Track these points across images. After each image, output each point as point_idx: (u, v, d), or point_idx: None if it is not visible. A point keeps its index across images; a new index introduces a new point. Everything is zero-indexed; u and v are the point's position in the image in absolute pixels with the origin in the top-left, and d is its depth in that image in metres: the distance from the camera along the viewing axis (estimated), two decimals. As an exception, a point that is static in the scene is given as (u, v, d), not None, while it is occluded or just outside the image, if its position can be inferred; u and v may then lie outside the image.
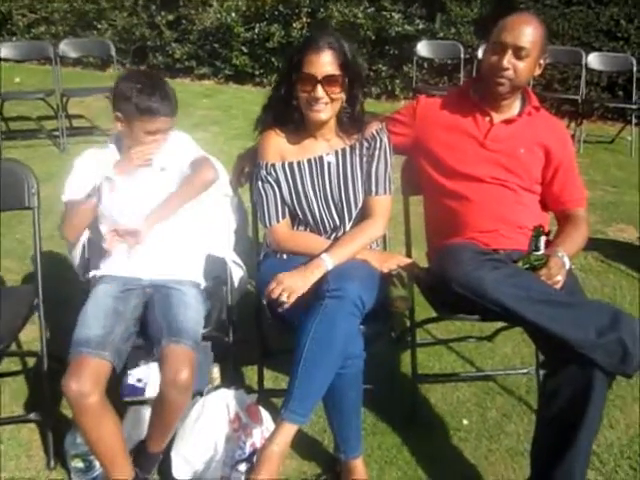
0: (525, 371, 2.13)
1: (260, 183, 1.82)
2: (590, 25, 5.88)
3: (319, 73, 1.64)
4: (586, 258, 3.14)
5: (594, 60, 5.29)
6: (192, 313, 1.70)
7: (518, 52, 1.71)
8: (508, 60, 1.71)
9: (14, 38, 8.35)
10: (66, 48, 5.04)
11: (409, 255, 2.08)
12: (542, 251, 1.60)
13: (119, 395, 1.99)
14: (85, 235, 1.90)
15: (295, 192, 1.81)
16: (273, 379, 2.20)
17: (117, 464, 1.59)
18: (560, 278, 1.56)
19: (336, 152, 1.81)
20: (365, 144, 1.80)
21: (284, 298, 1.59)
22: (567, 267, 1.62)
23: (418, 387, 2.12)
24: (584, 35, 5.89)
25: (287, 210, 1.83)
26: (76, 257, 1.92)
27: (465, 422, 2.03)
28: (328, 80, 1.65)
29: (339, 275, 1.57)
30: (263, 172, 1.81)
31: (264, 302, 1.69)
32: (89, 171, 1.82)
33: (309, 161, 1.80)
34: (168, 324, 1.63)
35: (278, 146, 1.81)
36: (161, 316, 1.67)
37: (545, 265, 1.58)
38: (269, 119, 1.80)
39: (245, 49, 7.22)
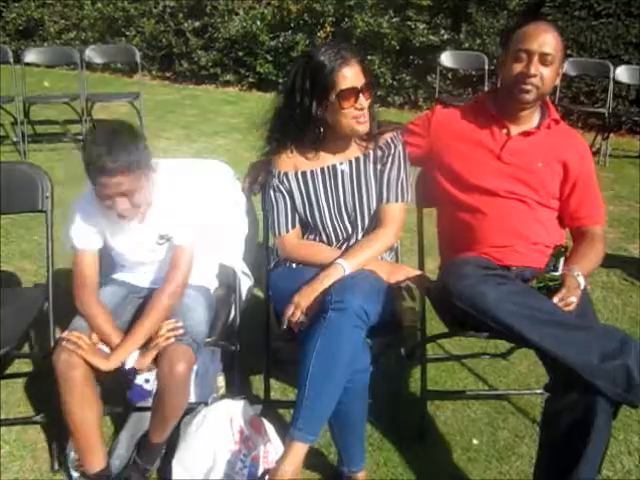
0: (540, 391, 2.05)
1: (272, 192, 1.80)
2: (619, 37, 5.76)
3: (358, 83, 1.63)
4: (608, 276, 3.05)
5: (622, 73, 5.18)
6: (194, 315, 1.70)
7: (544, 59, 1.68)
8: (535, 67, 1.68)
9: (45, 44, 8.55)
10: (92, 54, 5.13)
11: (422, 267, 2.04)
12: (560, 272, 1.53)
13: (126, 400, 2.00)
14: None
15: (308, 201, 1.78)
16: (281, 390, 2.17)
17: (91, 448, 1.63)
18: (574, 299, 1.50)
19: (350, 161, 1.79)
20: (379, 152, 1.78)
21: (302, 318, 1.59)
22: (582, 287, 1.56)
23: (428, 403, 2.07)
24: (613, 48, 5.78)
25: (298, 219, 1.81)
26: None
27: (475, 442, 1.97)
28: (364, 89, 1.65)
29: (341, 286, 1.54)
30: (276, 181, 1.79)
31: (272, 314, 1.67)
32: (91, 218, 1.70)
33: (322, 170, 1.78)
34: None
35: (292, 156, 1.79)
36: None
37: (560, 286, 1.52)
38: (285, 139, 1.76)
39: (270, 57, 7.28)
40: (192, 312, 1.71)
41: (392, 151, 1.78)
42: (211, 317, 1.80)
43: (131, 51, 5.29)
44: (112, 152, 1.48)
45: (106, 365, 1.58)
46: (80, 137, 4.97)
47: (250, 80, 7.49)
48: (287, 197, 1.79)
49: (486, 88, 5.48)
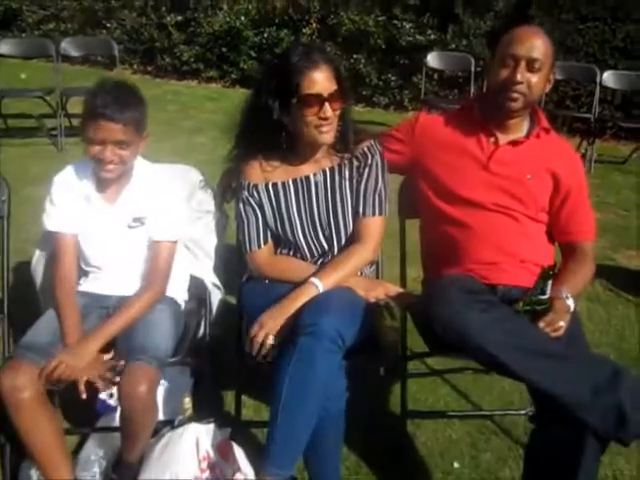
0: (523, 412, 1.97)
1: (242, 205, 1.69)
2: (606, 42, 5.74)
3: (324, 91, 1.51)
4: (593, 286, 2.98)
5: (609, 78, 5.15)
6: (158, 329, 1.60)
7: (531, 65, 1.59)
8: (522, 74, 1.58)
9: (23, 34, 8.32)
10: (68, 46, 4.97)
11: (404, 277, 1.95)
12: (547, 295, 1.44)
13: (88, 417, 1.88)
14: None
15: (279, 215, 1.67)
16: (255, 407, 2.06)
17: (54, 465, 1.54)
18: (563, 324, 1.41)
19: (324, 172, 1.67)
20: (355, 162, 1.67)
21: (270, 341, 1.47)
22: (571, 310, 1.47)
23: (407, 423, 1.98)
24: (599, 52, 5.75)
25: (270, 234, 1.71)
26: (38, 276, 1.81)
27: (456, 465, 1.88)
28: (332, 97, 1.53)
29: (314, 307, 1.43)
30: (245, 193, 1.68)
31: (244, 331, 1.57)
32: (70, 195, 1.68)
33: (294, 181, 1.67)
34: (130, 344, 1.55)
35: (262, 166, 1.68)
36: (124, 336, 1.58)
37: (548, 310, 1.43)
38: (252, 148, 1.65)
39: (253, 53, 7.15)
40: (156, 326, 1.61)
41: (369, 161, 1.66)
42: (178, 332, 1.70)
43: (109, 44, 5.14)
44: (119, 102, 1.53)
45: (74, 360, 1.50)
46: (55, 132, 4.80)
47: (233, 76, 7.34)
48: (257, 211, 1.68)
49: (472, 89, 5.43)
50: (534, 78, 1.60)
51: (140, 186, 1.68)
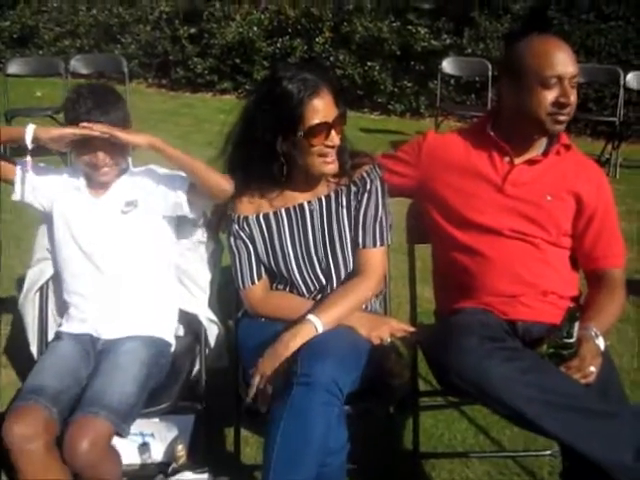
0: (549, 452, 1.81)
1: (232, 239, 1.57)
2: (629, 42, 5.54)
3: (329, 117, 1.40)
4: (623, 304, 2.79)
5: (633, 79, 4.95)
6: (120, 376, 1.46)
7: (572, 81, 1.44)
8: (572, 93, 1.42)
9: (40, 51, 8.39)
10: (78, 64, 4.95)
11: (414, 299, 1.80)
12: (574, 338, 1.29)
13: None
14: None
15: (271, 247, 1.55)
16: (258, 445, 1.93)
17: None
18: (593, 369, 1.26)
19: (319, 199, 1.54)
20: (353, 188, 1.53)
21: (269, 391, 1.34)
22: (602, 350, 1.32)
23: (422, 462, 1.83)
24: (622, 52, 5.55)
25: (264, 269, 1.58)
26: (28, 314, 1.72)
27: (475, 511, 1.74)
28: (336, 122, 1.42)
29: (310, 353, 1.29)
30: (235, 226, 1.56)
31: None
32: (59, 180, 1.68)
33: (287, 210, 1.54)
34: (85, 394, 1.44)
35: (253, 197, 1.56)
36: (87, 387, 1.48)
37: (575, 354, 1.28)
38: (245, 179, 1.54)
39: (267, 63, 7.08)
40: (118, 372, 1.47)
41: (368, 187, 1.52)
42: (162, 374, 1.57)
43: (118, 61, 5.10)
44: (101, 105, 1.52)
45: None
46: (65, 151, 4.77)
47: (247, 87, 7.28)
48: (249, 244, 1.56)
49: (490, 95, 5.26)
50: (574, 94, 1.44)
51: (132, 177, 1.67)
